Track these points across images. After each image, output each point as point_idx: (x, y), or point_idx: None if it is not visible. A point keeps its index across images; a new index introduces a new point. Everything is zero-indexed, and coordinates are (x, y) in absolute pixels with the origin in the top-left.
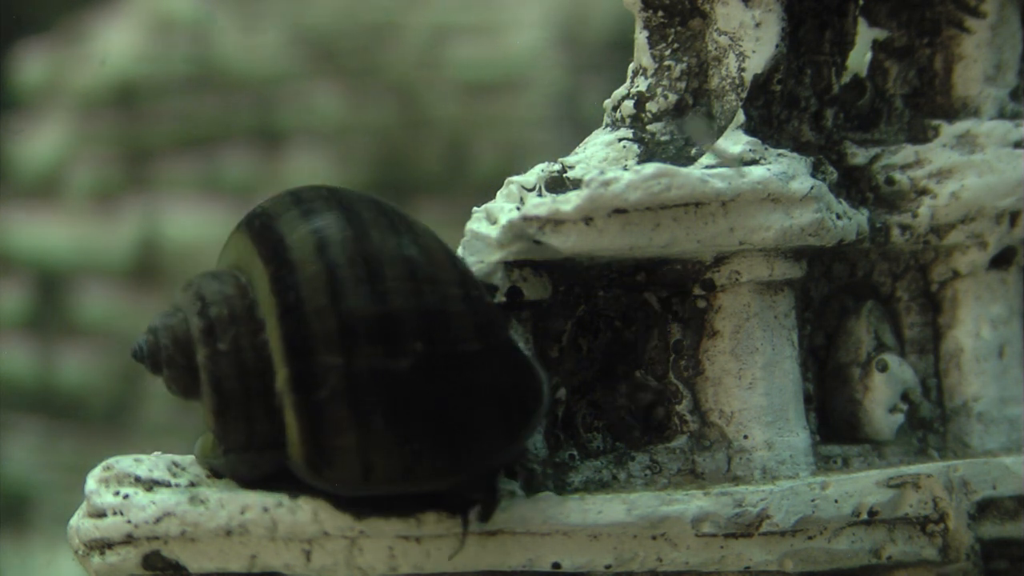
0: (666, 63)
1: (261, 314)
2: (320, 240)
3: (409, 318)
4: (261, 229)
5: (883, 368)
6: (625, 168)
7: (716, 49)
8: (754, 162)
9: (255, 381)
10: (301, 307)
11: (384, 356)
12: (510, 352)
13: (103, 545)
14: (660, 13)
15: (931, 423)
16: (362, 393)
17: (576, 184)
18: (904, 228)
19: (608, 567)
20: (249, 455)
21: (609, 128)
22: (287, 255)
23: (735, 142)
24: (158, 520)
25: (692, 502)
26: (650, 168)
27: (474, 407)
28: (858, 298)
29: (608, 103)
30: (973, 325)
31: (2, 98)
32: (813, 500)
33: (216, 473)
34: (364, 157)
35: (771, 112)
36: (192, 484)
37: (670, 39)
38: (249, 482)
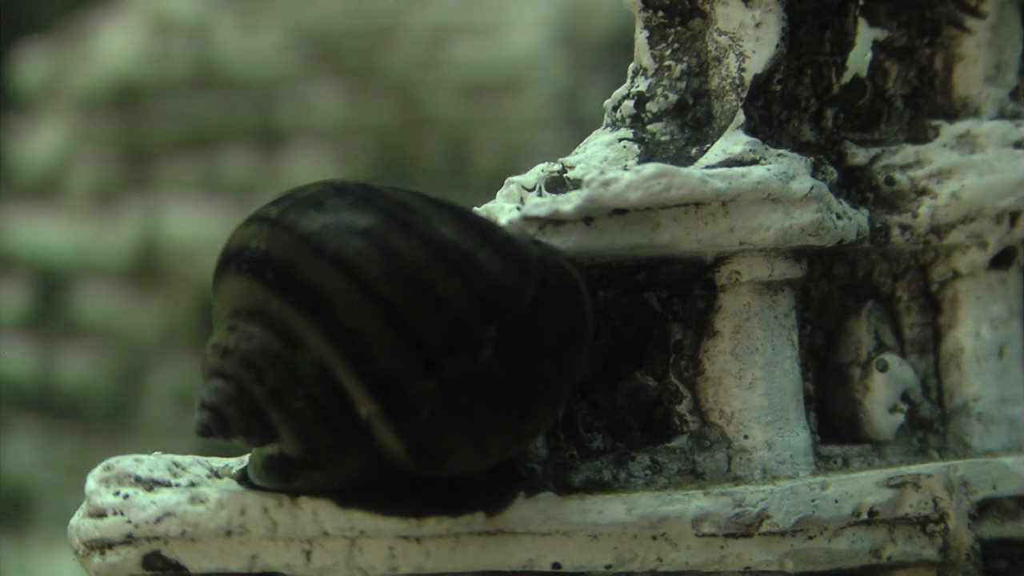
0: (666, 63)
1: (320, 358)
2: (355, 277)
3: (472, 310)
4: (280, 280)
5: (883, 368)
6: (625, 168)
7: (716, 49)
8: (754, 162)
9: (338, 417)
10: (371, 349)
11: (468, 356)
12: (550, 268)
13: (103, 545)
14: (660, 13)
15: (931, 423)
16: (460, 398)
17: (576, 184)
18: (904, 228)
19: (608, 567)
20: (335, 467)
21: (609, 128)
22: (329, 303)
23: (735, 142)
24: (158, 520)
25: (692, 502)
26: (650, 168)
27: (549, 343)
28: (858, 298)
29: (608, 103)
30: (973, 325)
31: (2, 98)
32: (813, 500)
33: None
34: (364, 157)
35: (771, 112)
36: (192, 484)
37: (670, 39)
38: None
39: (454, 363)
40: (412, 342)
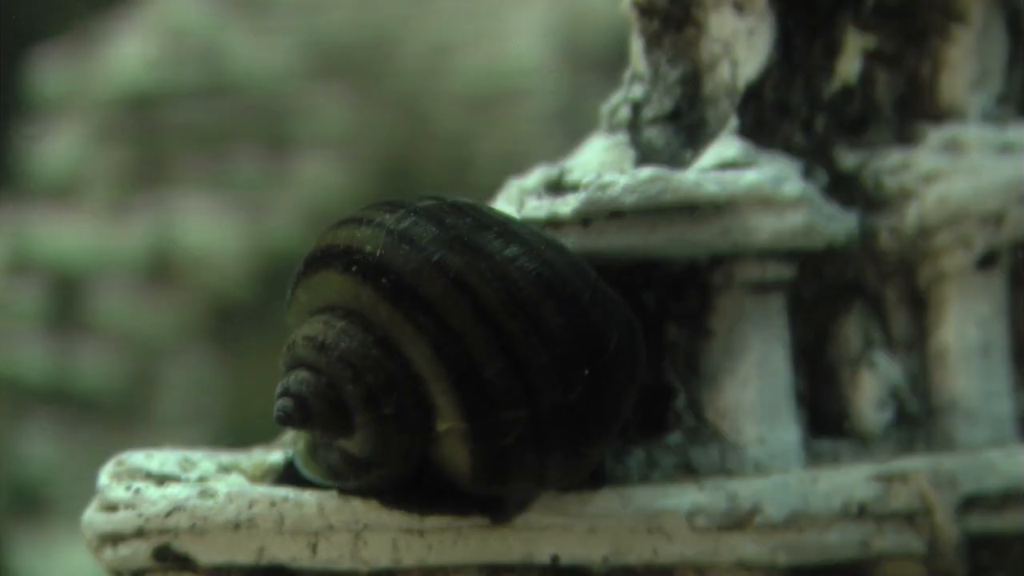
0: (661, 70)
1: (417, 369)
2: (475, 300)
3: (573, 351)
4: (397, 289)
5: (872, 366)
6: (622, 172)
7: (710, 57)
8: (747, 166)
9: (418, 430)
10: (479, 373)
11: (563, 393)
12: (621, 313)
13: (115, 538)
14: (656, 22)
15: (918, 419)
16: (542, 430)
17: (574, 187)
18: (892, 230)
19: (605, 559)
20: (390, 470)
21: (606, 133)
22: (444, 320)
23: (728, 147)
24: (168, 514)
25: (687, 496)
26: (646, 172)
27: (616, 386)
28: (848, 298)
29: (605, 108)
30: (959, 324)
31: (20, 104)
32: (804, 494)
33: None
34: (370, 163)
35: (763, 118)
36: (202, 479)
37: (665, 47)
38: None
39: (549, 397)
40: (518, 370)
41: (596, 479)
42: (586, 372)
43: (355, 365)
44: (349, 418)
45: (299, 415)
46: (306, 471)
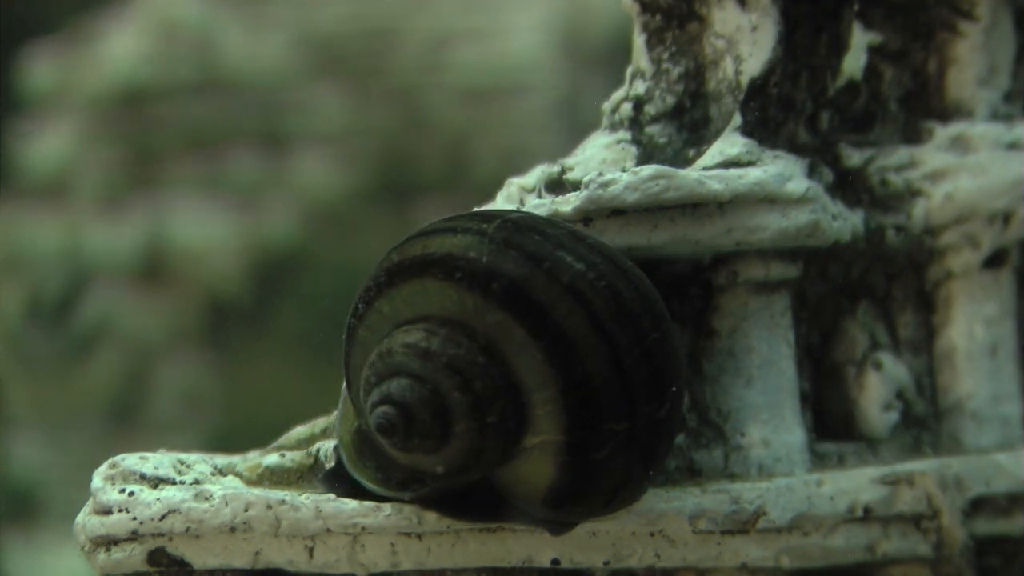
0: (664, 66)
1: (519, 378)
2: (585, 307)
3: (667, 368)
4: (508, 295)
5: (878, 367)
6: (623, 170)
7: (713, 53)
8: (751, 164)
9: (511, 441)
10: (589, 382)
11: (656, 408)
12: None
13: (109, 542)
14: (658, 17)
15: (925, 421)
16: (635, 446)
17: (575, 185)
18: (898, 229)
19: (606, 563)
20: (461, 480)
21: (607, 130)
22: (559, 327)
23: (732, 144)
24: (163, 517)
25: (689, 499)
26: (648, 170)
27: (677, 408)
28: (853, 298)
29: (607, 105)
30: (966, 324)
31: (11, 101)
32: (809, 497)
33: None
34: (367, 160)
35: (767, 115)
36: (197, 481)
37: (668, 42)
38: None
39: (646, 411)
40: (624, 382)
41: None
42: (675, 389)
43: (463, 372)
44: (447, 428)
45: (402, 423)
46: (356, 473)
